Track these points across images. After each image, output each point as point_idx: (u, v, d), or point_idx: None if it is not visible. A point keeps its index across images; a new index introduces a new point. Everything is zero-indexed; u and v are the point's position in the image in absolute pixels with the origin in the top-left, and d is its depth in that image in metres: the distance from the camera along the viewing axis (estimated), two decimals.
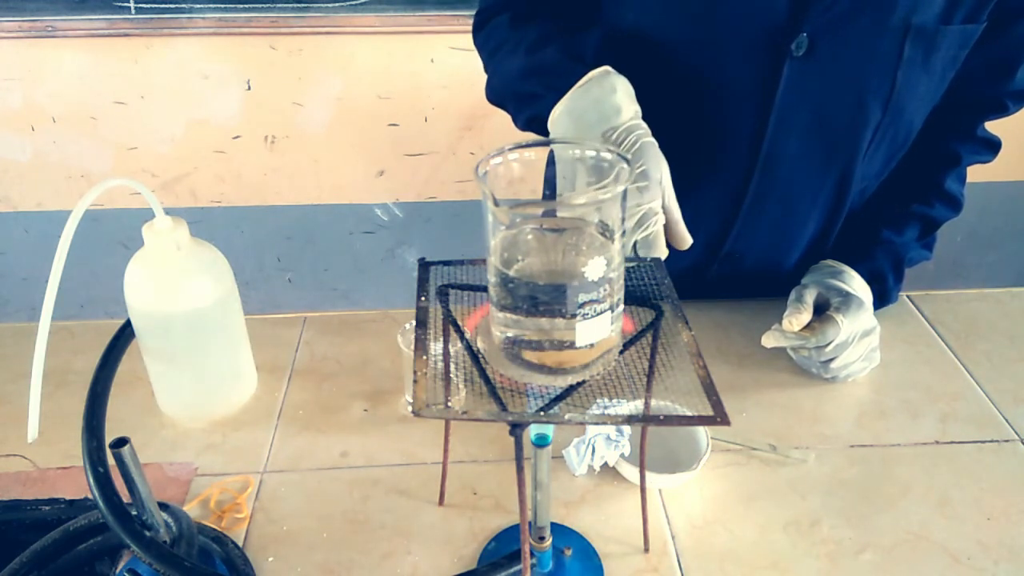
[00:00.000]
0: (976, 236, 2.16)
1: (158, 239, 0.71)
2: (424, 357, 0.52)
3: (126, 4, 1.69)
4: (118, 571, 0.62)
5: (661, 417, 0.62)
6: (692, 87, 0.82)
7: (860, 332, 0.81)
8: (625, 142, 0.69)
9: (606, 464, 0.73)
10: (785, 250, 0.94)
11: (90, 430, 0.58)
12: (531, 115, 0.81)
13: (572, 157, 0.57)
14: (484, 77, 0.90)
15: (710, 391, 0.50)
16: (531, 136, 0.82)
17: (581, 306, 0.47)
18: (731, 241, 0.91)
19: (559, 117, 0.75)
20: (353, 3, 1.72)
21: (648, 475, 0.66)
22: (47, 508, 0.71)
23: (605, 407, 0.56)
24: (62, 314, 0.69)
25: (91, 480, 0.56)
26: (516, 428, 0.49)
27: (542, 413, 0.50)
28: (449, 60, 1.82)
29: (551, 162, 0.54)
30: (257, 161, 1.93)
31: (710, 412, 0.49)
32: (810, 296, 0.83)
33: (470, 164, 1.78)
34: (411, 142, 1.94)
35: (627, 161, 0.48)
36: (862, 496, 0.72)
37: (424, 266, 0.61)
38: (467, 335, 0.56)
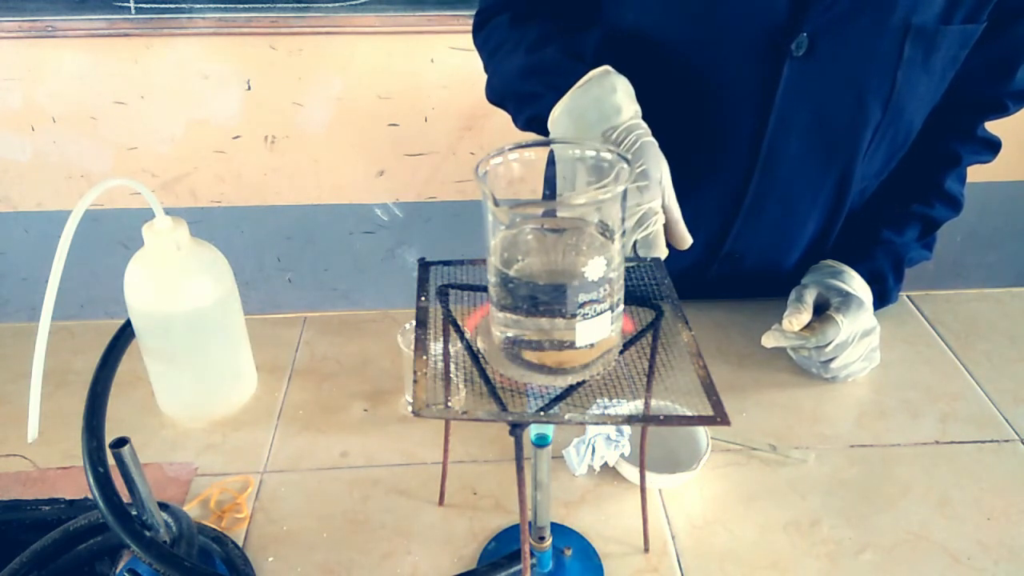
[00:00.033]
0: (976, 236, 2.16)
1: (158, 239, 0.71)
2: (424, 357, 0.52)
3: (126, 4, 1.69)
4: (118, 571, 0.62)
5: (661, 417, 0.62)
6: (692, 87, 0.82)
7: (860, 332, 0.81)
8: (625, 141, 0.69)
9: (606, 464, 0.73)
10: (785, 250, 0.94)
11: (90, 430, 0.58)
12: (531, 115, 0.81)
13: (572, 157, 0.57)
14: (484, 77, 0.90)
15: (710, 391, 0.50)
16: (531, 136, 0.82)
17: (581, 306, 0.47)
18: (731, 241, 0.91)
19: (559, 116, 0.75)
20: (353, 3, 1.72)
21: (648, 475, 0.66)
22: (47, 508, 0.71)
23: (605, 407, 0.56)
24: (62, 314, 0.69)
25: (91, 480, 0.56)
26: (516, 428, 0.49)
27: (542, 413, 0.50)
28: (449, 60, 1.82)
29: (551, 162, 0.54)
30: (257, 161, 1.93)
31: (710, 412, 0.49)
32: (810, 296, 0.83)
33: (470, 164, 1.78)
34: (411, 142, 1.94)
35: (627, 161, 0.48)
36: (862, 496, 0.72)
37: (424, 266, 0.61)
38: (467, 335, 0.56)
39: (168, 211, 0.71)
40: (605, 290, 0.48)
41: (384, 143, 1.93)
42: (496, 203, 0.46)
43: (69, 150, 1.88)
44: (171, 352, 0.75)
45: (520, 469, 0.52)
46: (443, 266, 0.61)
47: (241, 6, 1.71)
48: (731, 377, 0.86)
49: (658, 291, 0.59)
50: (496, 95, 0.89)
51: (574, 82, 0.73)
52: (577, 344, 0.49)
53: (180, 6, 1.70)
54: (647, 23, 0.81)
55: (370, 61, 1.82)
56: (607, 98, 0.72)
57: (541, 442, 0.54)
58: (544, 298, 0.48)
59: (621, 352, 0.54)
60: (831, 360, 0.82)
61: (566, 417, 0.49)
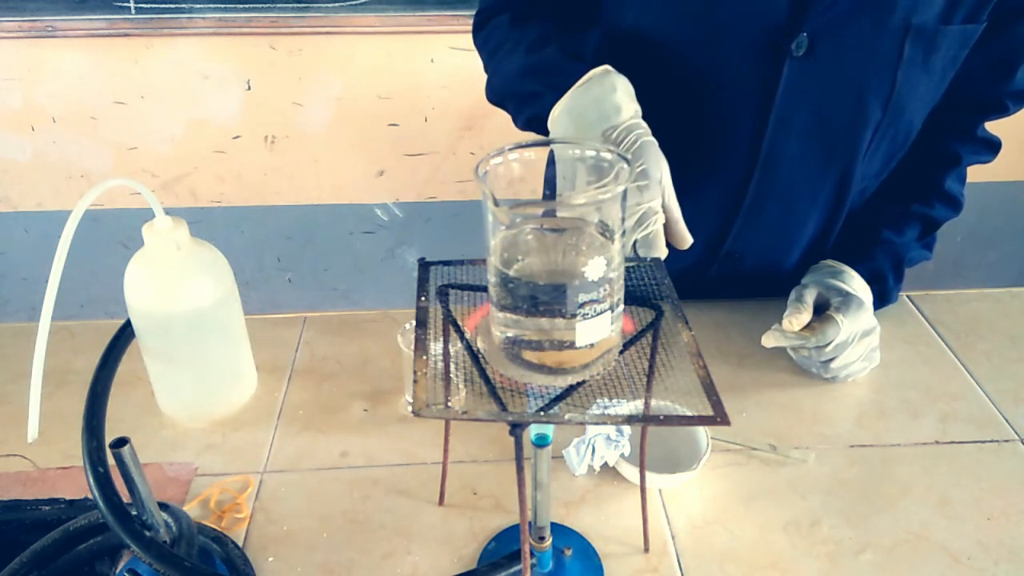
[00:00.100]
0: (976, 236, 2.16)
1: (158, 239, 0.71)
2: (424, 357, 0.52)
3: (126, 4, 1.69)
4: (118, 571, 0.62)
5: (661, 417, 0.62)
6: (692, 87, 0.82)
7: (860, 332, 0.81)
8: (625, 141, 0.69)
9: (606, 464, 0.73)
10: (785, 250, 0.94)
11: (90, 430, 0.58)
12: (531, 114, 0.81)
13: (572, 157, 0.57)
14: (484, 77, 0.90)
15: (710, 391, 0.50)
16: (531, 136, 0.82)
17: (581, 306, 0.47)
18: (731, 241, 0.91)
19: (559, 116, 0.75)
20: (353, 3, 1.72)
21: (648, 475, 0.66)
22: (47, 508, 0.71)
23: (605, 407, 0.56)
24: (62, 314, 0.69)
25: (91, 480, 0.56)
26: (516, 428, 0.49)
27: (542, 413, 0.50)
28: (449, 60, 1.82)
29: (551, 162, 0.54)
30: (257, 161, 1.93)
31: (710, 412, 0.49)
32: (810, 296, 0.83)
33: (470, 164, 1.78)
34: (411, 142, 1.94)
35: (627, 161, 0.48)
36: (862, 496, 0.72)
37: (424, 266, 0.61)
38: (467, 335, 0.56)
39: (168, 211, 0.71)
40: (605, 290, 0.48)
41: (384, 143, 1.93)
42: (496, 203, 0.46)
43: (69, 150, 1.88)
44: (171, 352, 0.75)
45: (520, 469, 0.52)
46: (443, 266, 0.61)
47: (241, 6, 1.71)
48: (731, 377, 0.86)
49: (658, 291, 0.59)
50: (496, 95, 0.89)
51: (574, 82, 0.73)
52: (577, 344, 0.49)
53: (180, 6, 1.70)
54: (647, 23, 0.81)
55: (370, 61, 1.82)
56: (607, 97, 0.72)
57: (541, 442, 0.54)
58: (544, 298, 0.48)
59: (621, 352, 0.54)
60: (831, 360, 0.82)
61: (566, 417, 0.49)
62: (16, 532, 0.70)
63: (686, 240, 0.70)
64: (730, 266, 0.95)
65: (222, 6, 1.71)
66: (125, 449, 0.54)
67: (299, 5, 1.72)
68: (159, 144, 1.89)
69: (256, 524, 0.69)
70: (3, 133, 1.85)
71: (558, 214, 0.51)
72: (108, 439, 0.56)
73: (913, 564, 0.66)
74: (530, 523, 0.60)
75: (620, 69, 0.74)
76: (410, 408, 0.81)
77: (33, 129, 1.85)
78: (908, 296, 0.99)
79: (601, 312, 0.48)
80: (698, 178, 0.83)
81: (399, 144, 1.93)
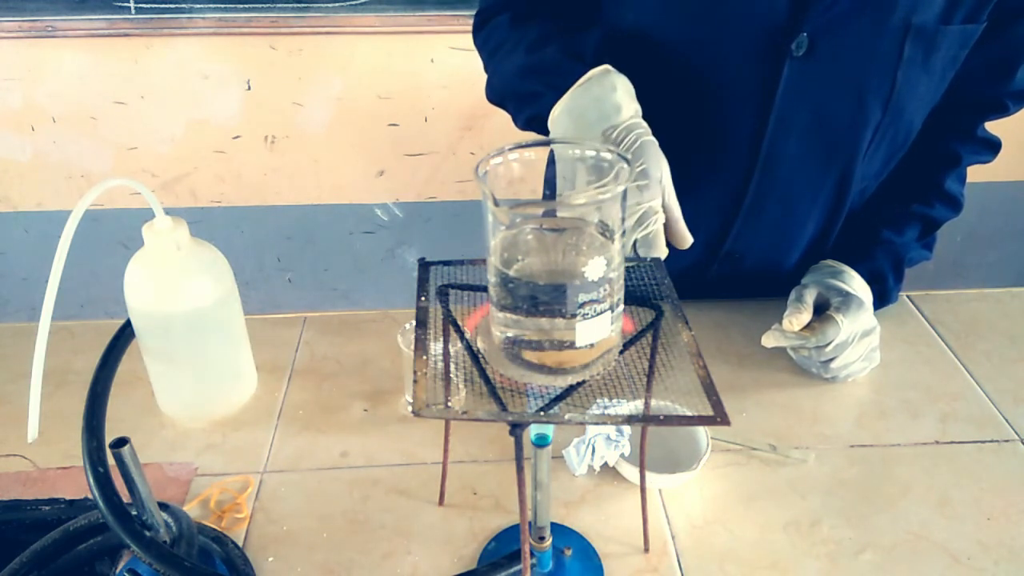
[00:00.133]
0: (976, 236, 2.16)
1: (158, 239, 0.71)
2: (424, 357, 0.52)
3: (126, 4, 1.69)
4: (118, 571, 0.62)
5: (661, 417, 0.62)
6: (692, 87, 0.82)
7: (860, 332, 0.81)
8: (625, 141, 0.69)
9: (606, 464, 0.73)
10: (785, 250, 0.94)
11: (90, 430, 0.58)
12: (531, 114, 0.81)
13: (572, 157, 0.57)
14: (484, 77, 0.90)
15: (710, 391, 0.50)
16: (531, 136, 0.82)
17: (581, 306, 0.47)
18: (731, 241, 0.91)
19: (559, 116, 0.75)
20: (353, 3, 1.72)
21: (648, 475, 0.66)
22: (47, 508, 0.71)
23: (605, 407, 0.56)
24: (62, 314, 0.69)
25: (91, 480, 0.56)
26: (516, 428, 0.49)
27: (542, 413, 0.50)
28: (449, 60, 1.82)
29: (551, 162, 0.54)
30: (257, 161, 1.93)
31: (710, 412, 0.49)
32: (810, 296, 0.83)
33: (470, 164, 1.78)
34: (411, 142, 1.94)
35: (627, 161, 0.48)
36: (862, 496, 0.72)
37: (424, 266, 0.61)
38: (467, 335, 0.56)
39: (168, 211, 0.71)
40: (605, 290, 0.48)
41: (384, 143, 1.93)
42: (496, 203, 0.46)
43: (69, 150, 1.88)
44: (171, 352, 0.75)
45: (520, 469, 0.52)
46: (443, 266, 0.61)
47: (241, 6, 1.71)
48: (731, 377, 0.86)
49: (658, 291, 0.59)
50: (496, 95, 0.89)
51: (574, 82, 0.73)
52: (577, 344, 0.49)
53: (180, 6, 1.70)
54: (647, 23, 0.81)
55: (370, 61, 1.82)
56: (607, 97, 0.72)
57: (541, 442, 0.54)
58: (544, 298, 0.48)
59: (621, 352, 0.54)
60: (831, 360, 0.82)
61: (566, 417, 0.49)
62: (16, 532, 0.70)
63: (686, 240, 0.70)
64: (730, 266, 0.95)
65: (222, 6, 1.71)
66: (125, 449, 0.54)
67: (299, 5, 1.72)
68: (159, 144, 1.89)
69: (256, 524, 0.69)
70: (3, 133, 1.85)
71: (558, 214, 0.51)
72: (108, 439, 0.56)
73: (913, 564, 0.66)
74: (530, 523, 0.60)
75: (620, 69, 0.74)
76: (410, 408, 0.81)
77: (33, 129, 1.85)
78: (908, 296, 0.99)
79: (601, 312, 0.48)
80: (698, 178, 0.83)
81: (399, 144, 1.93)
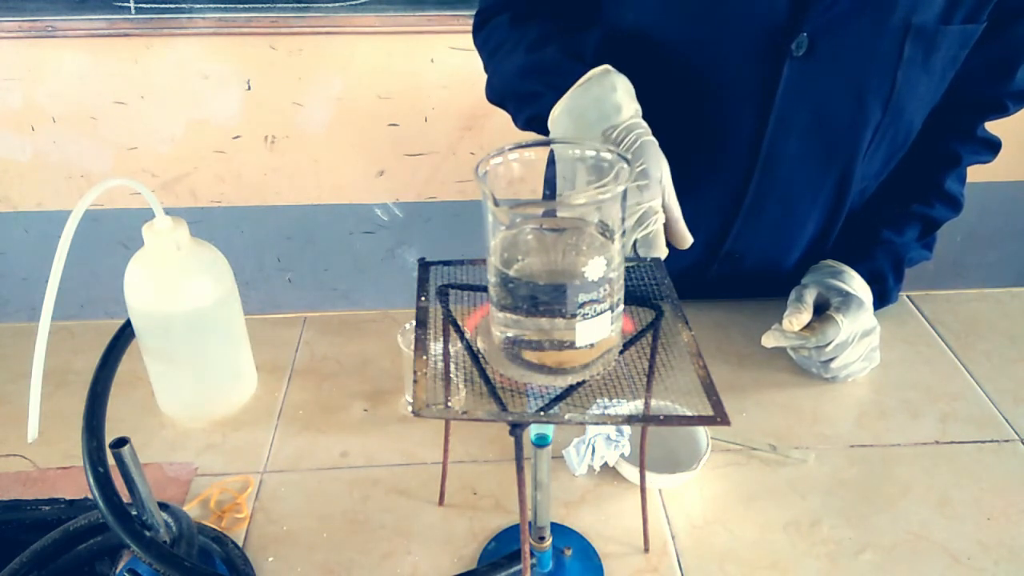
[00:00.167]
0: (976, 236, 2.16)
1: (158, 239, 0.71)
2: (424, 357, 0.52)
3: (126, 4, 1.69)
4: (118, 571, 0.62)
5: (661, 417, 0.62)
6: (692, 87, 0.82)
7: (860, 332, 0.81)
8: (625, 141, 0.69)
9: (606, 464, 0.73)
10: (785, 250, 0.94)
11: (90, 430, 0.58)
12: (531, 114, 0.81)
13: (572, 157, 0.57)
14: (484, 77, 0.90)
15: (710, 391, 0.50)
16: (531, 136, 0.82)
17: (581, 306, 0.47)
18: (731, 241, 0.91)
19: (559, 116, 0.74)
20: (353, 3, 1.72)
21: (648, 475, 0.66)
22: (47, 508, 0.71)
23: (605, 407, 0.56)
24: (62, 314, 0.69)
25: (91, 480, 0.56)
26: (516, 428, 0.49)
27: (542, 413, 0.50)
28: (449, 60, 1.82)
29: (551, 162, 0.54)
30: (257, 161, 1.93)
31: (710, 412, 0.49)
32: (810, 296, 0.83)
33: (470, 164, 1.78)
34: (411, 142, 1.94)
35: (627, 161, 0.48)
36: (862, 496, 0.72)
37: (424, 266, 0.61)
38: (467, 335, 0.56)
39: (168, 211, 0.71)
40: (605, 290, 0.48)
41: (384, 143, 1.93)
42: (496, 203, 0.46)
43: (69, 150, 1.88)
44: (171, 352, 0.75)
45: (520, 469, 0.52)
46: (443, 266, 0.61)
47: (241, 6, 1.71)
48: (731, 377, 0.86)
49: (658, 291, 0.59)
50: (496, 95, 0.89)
51: (574, 82, 0.73)
52: (577, 344, 0.49)
53: (180, 6, 1.70)
54: (647, 23, 0.81)
55: (370, 61, 1.82)
56: (607, 97, 0.72)
57: (541, 442, 0.54)
58: (544, 298, 0.48)
59: (621, 352, 0.54)
60: (831, 360, 0.82)
61: (566, 417, 0.49)
62: (16, 532, 0.70)
63: (686, 240, 0.70)
64: (730, 266, 0.95)
65: (222, 6, 1.71)
66: (125, 449, 0.54)
67: (299, 5, 1.72)
68: (159, 144, 1.89)
69: (256, 524, 0.69)
70: (3, 133, 1.85)
71: (558, 214, 0.51)
72: (108, 439, 0.56)
73: (913, 564, 0.66)
74: (530, 523, 0.60)
75: (620, 69, 0.74)
76: (410, 408, 0.81)
77: (33, 129, 1.85)
78: (908, 296, 0.99)
79: (601, 312, 0.48)
80: (698, 178, 0.83)
81: (399, 144, 1.93)
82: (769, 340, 0.82)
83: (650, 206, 0.67)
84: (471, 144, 1.95)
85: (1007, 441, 0.78)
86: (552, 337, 0.49)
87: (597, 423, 0.55)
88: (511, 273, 0.48)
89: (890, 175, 0.92)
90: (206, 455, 0.76)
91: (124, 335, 0.68)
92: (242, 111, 1.86)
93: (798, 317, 0.81)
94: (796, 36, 0.76)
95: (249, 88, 1.83)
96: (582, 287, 0.47)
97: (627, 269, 0.61)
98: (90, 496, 0.56)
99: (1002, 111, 0.87)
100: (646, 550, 0.67)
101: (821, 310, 0.83)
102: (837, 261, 0.91)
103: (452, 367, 0.64)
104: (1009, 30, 0.79)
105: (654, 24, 0.81)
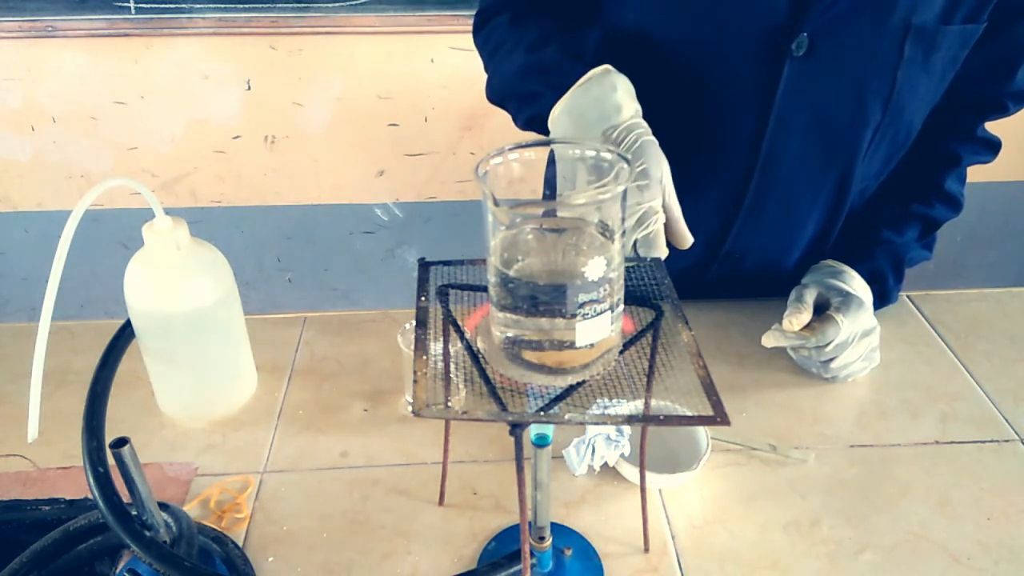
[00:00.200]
0: (976, 236, 2.16)
1: (158, 239, 0.71)
2: (424, 357, 0.52)
3: (126, 4, 1.69)
4: (118, 571, 0.62)
5: (661, 417, 0.62)
6: (692, 87, 0.82)
7: (860, 332, 0.81)
8: (625, 141, 0.69)
9: (606, 464, 0.73)
10: (785, 250, 0.94)
11: (90, 430, 0.58)
12: (531, 114, 0.81)
13: (572, 157, 0.57)
14: (484, 77, 0.90)
15: (710, 391, 0.50)
16: (531, 136, 0.82)
17: (581, 306, 0.47)
18: (731, 241, 0.91)
19: (559, 116, 0.74)
20: (353, 3, 1.72)
21: (648, 475, 0.66)
22: (47, 508, 0.71)
23: (605, 407, 0.56)
24: (62, 314, 0.69)
25: (91, 480, 0.56)
26: (516, 428, 0.49)
27: (542, 413, 0.50)
28: (449, 60, 1.82)
29: (551, 162, 0.54)
30: (257, 161, 1.93)
31: (710, 412, 0.49)
32: (810, 296, 0.83)
33: (470, 164, 1.78)
34: (411, 142, 1.94)
35: (627, 161, 0.48)
36: (862, 496, 0.72)
37: (424, 266, 0.61)
38: (467, 335, 0.56)
39: (168, 211, 0.71)
40: (605, 290, 0.48)
41: (384, 143, 1.93)
42: (496, 203, 0.46)
43: (69, 150, 1.88)
44: (171, 352, 0.75)
45: (520, 469, 0.52)
46: (443, 266, 0.61)
47: (241, 6, 1.71)
48: (731, 377, 0.86)
49: (658, 291, 0.59)
50: (496, 95, 0.89)
51: (574, 81, 0.73)
52: (577, 344, 0.49)
53: (180, 6, 1.70)
54: (647, 22, 0.81)
55: (370, 61, 1.82)
56: (607, 97, 0.72)
57: (541, 442, 0.54)
58: (544, 298, 0.48)
59: (621, 352, 0.54)
60: (831, 360, 0.82)
61: (566, 417, 0.49)
62: (16, 532, 0.70)
63: (687, 239, 0.70)
64: (730, 266, 0.95)
65: (222, 6, 1.71)
66: (125, 449, 0.54)
67: (299, 5, 1.72)
68: (159, 144, 1.89)
69: (256, 524, 0.69)
70: (3, 133, 1.85)
71: (558, 214, 0.51)
72: (108, 439, 0.56)
73: (913, 564, 0.66)
74: (530, 523, 0.60)
75: (620, 69, 0.74)
76: (410, 408, 0.81)
77: (33, 129, 1.85)
78: (908, 296, 0.99)
79: (601, 312, 0.48)
80: (698, 178, 0.83)
81: (399, 144, 1.93)
82: (769, 340, 0.82)
83: (650, 206, 0.67)
84: (471, 144, 1.95)
85: (1007, 441, 0.78)
86: (552, 337, 0.49)
87: (597, 423, 0.55)
88: (511, 273, 0.48)
89: (890, 175, 0.92)
90: (206, 455, 0.76)
91: (124, 335, 0.68)
92: (242, 111, 1.86)
93: (798, 317, 0.81)
94: (796, 36, 0.76)
95: (249, 88, 1.83)
96: (582, 287, 0.47)
97: (627, 269, 0.61)
98: (90, 496, 0.56)
99: (1002, 111, 0.87)
100: (646, 550, 0.67)
101: (821, 310, 0.83)
102: (837, 261, 0.91)
103: (452, 367, 0.64)
104: (1009, 30, 0.79)
105: (654, 24, 0.81)
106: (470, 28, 0.92)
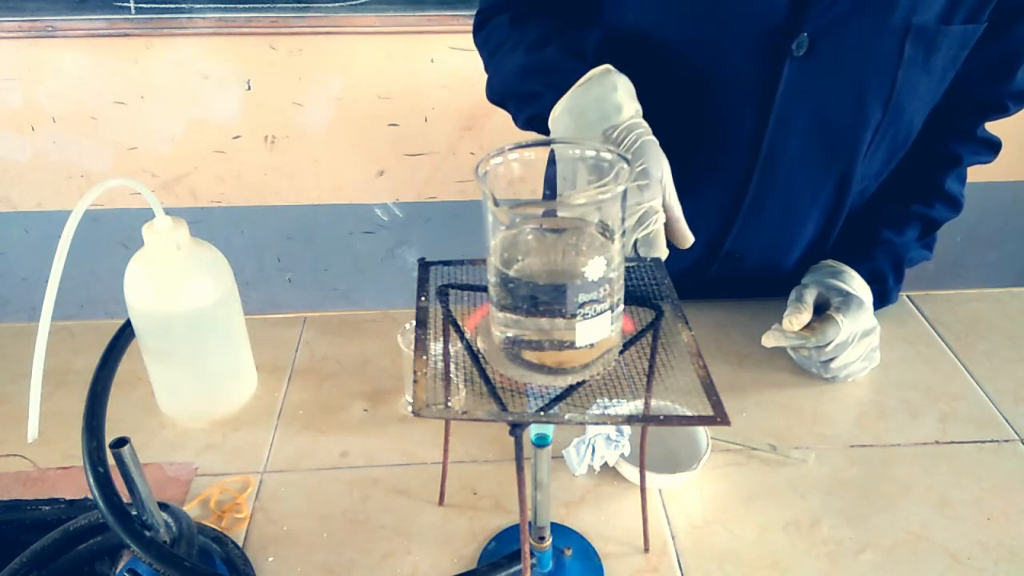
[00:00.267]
0: (976, 236, 2.16)
1: (158, 239, 0.71)
2: (424, 357, 0.52)
3: (126, 4, 1.69)
4: (118, 571, 0.62)
5: (661, 417, 0.62)
6: (692, 87, 0.82)
7: (860, 332, 0.81)
8: (626, 140, 0.69)
9: (606, 464, 0.73)
10: (785, 250, 0.94)
11: (90, 430, 0.58)
12: (531, 114, 0.81)
13: (572, 156, 0.57)
14: (484, 77, 0.90)
15: (710, 391, 0.50)
16: (532, 136, 0.82)
17: (581, 306, 0.47)
18: (731, 241, 0.91)
19: (559, 115, 0.74)
20: (353, 3, 1.72)
21: (648, 475, 0.66)
22: (47, 508, 0.71)
23: (605, 407, 0.56)
24: (62, 314, 0.69)
25: (91, 480, 0.56)
26: (516, 428, 0.49)
27: (542, 413, 0.50)
28: (449, 60, 1.82)
29: (551, 162, 0.54)
30: (257, 161, 1.93)
31: (710, 412, 0.49)
32: (810, 296, 0.83)
33: (470, 164, 1.78)
34: (411, 142, 1.94)
35: (627, 161, 0.48)
36: (862, 496, 0.72)
37: (424, 266, 0.61)
38: (467, 335, 0.56)
39: (168, 211, 0.71)
40: (605, 290, 0.48)
41: (384, 143, 1.93)
42: (496, 203, 0.46)
43: (69, 150, 1.88)
44: (171, 352, 0.75)
45: (520, 469, 0.52)
46: (443, 266, 0.61)
47: (241, 6, 1.71)
48: (731, 377, 0.86)
49: (658, 291, 0.59)
50: (496, 95, 0.89)
51: (574, 81, 0.73)
52: (577, 344, 0.49)
53: (180, 6, 1.70)
54: (647, 22, 0.81)
55: (370, 61, 1.82)
56: (608, 97, 0.72)
57: (541, 442, 0.54)
58: (544, 298, 0.48)
59: (621, 352, 0.54)
60: (831, 360, 0.82)
61: (566, 417, 0.49)
62: (16, 532, 0.70)
63: (687, 239, 0.70)
64: (730, 266, 0.95)
65: (222, 6, 1.71)
66: (125, 449, 0.54)
67: (299, 5, 1.72)
68: (159, 144, 1.89)
69: (256, 524, 0.69)
70: (3, 133, 1.85)
71: (558, 214, 0.51)
72: (108, 439, 0.56)
73: (913, 564, 0.66)
74: (530, 523, 0.60)
75: (620, 68, 0.74)
76: (410, 408, 0.81)
77: (33, 129, 1.85)
78: (908, 296, 0.99)
79: (601, 312, 0.48)
80: (698, 178, 0.83)
81: (399, 144, 1.93)
82: (769, 340, 0.82)
83: (650, 206, 0.67)
84: (471, 144, 1.95)
85: (1007, 441, 0.78)
86: (552, 337, 0.49)
87: (597, 423, 0.55)
88: (511, 273, 0.48)
89: (890, 175, 0.92)
90: (206, 455, 0.76)
91: (124, 335, 0.68)
92: (242, 111, 1.86)
93: (798, 317, 0.81)
94: (796, 36, 0.76)
95: (249, 88, 1.83)
96: (582, 287, 0.47)
97: (627, 269, 0.61)
98: (90, 496, 0.56)
99: (1002, 111, 0.87)
100: (646, 550, 0.67)
101: (821, 310, 0.83)
102: (837, 261, 0.91)
103: (452, 367, 0.64)
104: (1009, 30, 0.79)
105: (654, 24, 0.81)
106: (470, 28, 0.92)
